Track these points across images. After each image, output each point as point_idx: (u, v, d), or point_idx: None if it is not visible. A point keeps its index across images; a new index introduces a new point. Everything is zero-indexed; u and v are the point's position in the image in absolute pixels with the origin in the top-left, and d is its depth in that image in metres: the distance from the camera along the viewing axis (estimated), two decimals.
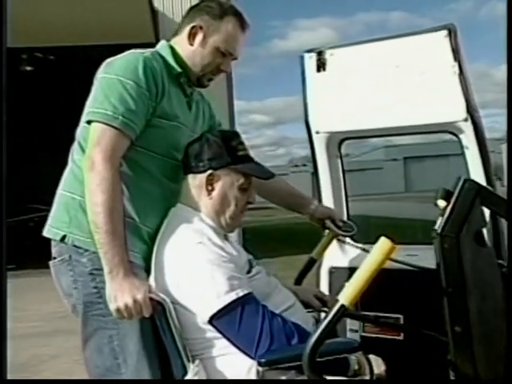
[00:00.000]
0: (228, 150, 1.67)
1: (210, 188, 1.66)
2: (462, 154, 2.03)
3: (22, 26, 9.98)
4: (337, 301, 1.39)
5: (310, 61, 2.17)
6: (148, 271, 1.65)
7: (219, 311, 1.50)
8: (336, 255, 2.32)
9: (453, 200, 1.55)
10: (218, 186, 1.66)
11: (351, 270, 2.21)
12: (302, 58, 2.20)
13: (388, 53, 2.02)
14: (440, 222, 1.55)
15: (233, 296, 1.50)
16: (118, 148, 1.60)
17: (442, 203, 1.57)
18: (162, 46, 1.82)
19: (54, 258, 1.71)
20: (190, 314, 1.55)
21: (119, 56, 1.73)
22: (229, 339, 1.54)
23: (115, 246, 1.52)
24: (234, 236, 1.84)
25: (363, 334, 2.12)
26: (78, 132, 1.74)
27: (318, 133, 2.22)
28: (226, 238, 1.70)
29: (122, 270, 1.51)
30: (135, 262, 1.63)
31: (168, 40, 1.84)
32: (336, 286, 2.19)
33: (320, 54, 2.15)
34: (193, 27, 1.77)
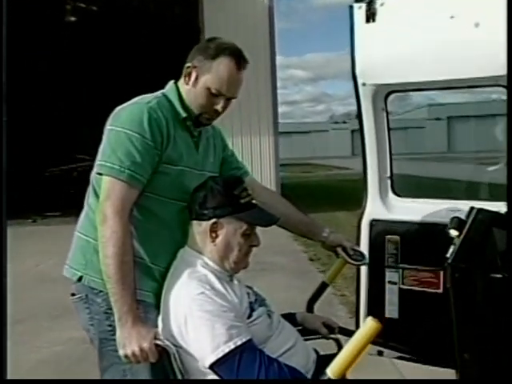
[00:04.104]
0: (231, 199, 1.74)
1: (214, 235, 1.74)
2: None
3: None
4: (324, 374, 1.45)
5: (360, 11, 2.12)
6: (159, 306, 1.74)
7: (218, 360, 1.58)
8: (377, 208, 2.32)
9: (465, 230, 1.54)
10: (221, 234, 1.74)
11: (392, 223, 2.22)
12: (351, 8, 2.14)
13: (441, 3, 1.95)
14: (452, 251, 1.55)
15: (231, 346, 1.58)
16: (127, 200, 1.69)
17: (454, 233, 1.58)
18: (169, 88, 1.87)
19: (74, 295, 1.84)
20: (192, 359, 1.65)
21: (125, 105, 1.79)
22: None
23: (124, 296, 1.63)
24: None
25: (402, 286, 2.14)
26: (93, 176, 1.81)
27: (364, 85, 2.18)
28: (231, 279, 1.79)
29: (130, 318, 1.62)
30: (146, 301, 1.76)
31: (176, 81, 1.88)
32: (376, 239, 2.20)
33: (370, 3, 2.10)
34: (188, 67, 1.81)
